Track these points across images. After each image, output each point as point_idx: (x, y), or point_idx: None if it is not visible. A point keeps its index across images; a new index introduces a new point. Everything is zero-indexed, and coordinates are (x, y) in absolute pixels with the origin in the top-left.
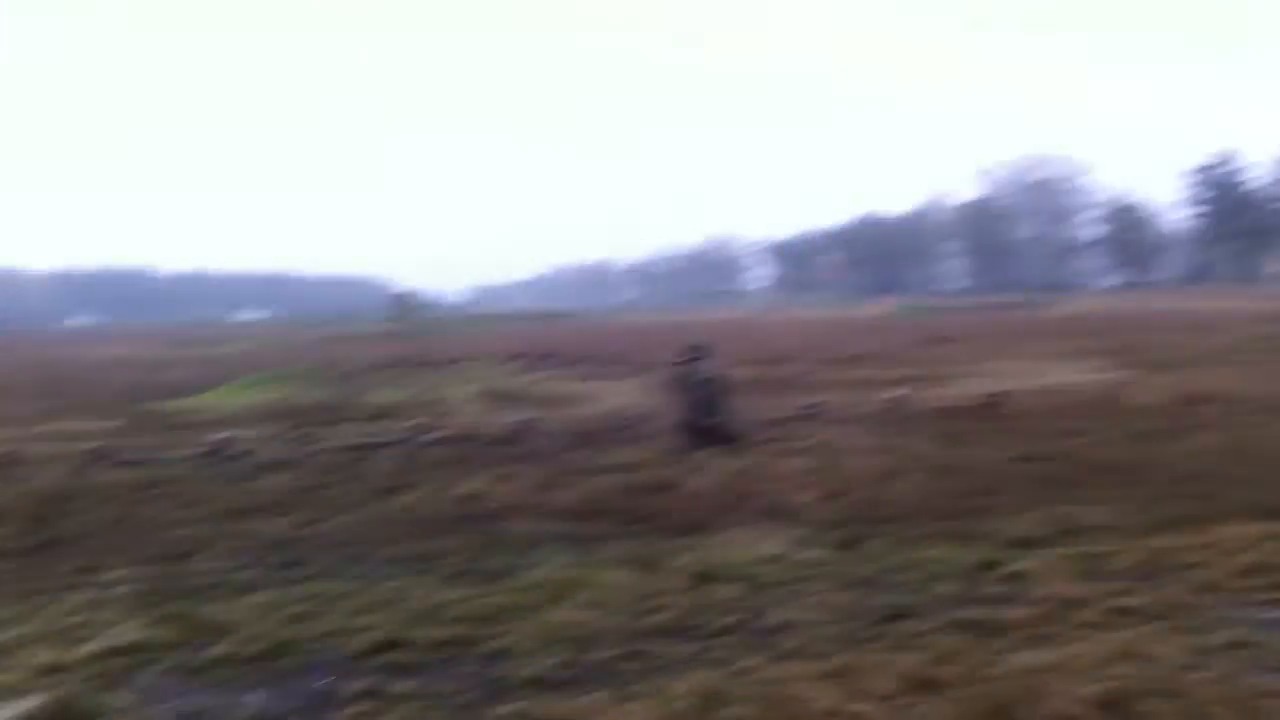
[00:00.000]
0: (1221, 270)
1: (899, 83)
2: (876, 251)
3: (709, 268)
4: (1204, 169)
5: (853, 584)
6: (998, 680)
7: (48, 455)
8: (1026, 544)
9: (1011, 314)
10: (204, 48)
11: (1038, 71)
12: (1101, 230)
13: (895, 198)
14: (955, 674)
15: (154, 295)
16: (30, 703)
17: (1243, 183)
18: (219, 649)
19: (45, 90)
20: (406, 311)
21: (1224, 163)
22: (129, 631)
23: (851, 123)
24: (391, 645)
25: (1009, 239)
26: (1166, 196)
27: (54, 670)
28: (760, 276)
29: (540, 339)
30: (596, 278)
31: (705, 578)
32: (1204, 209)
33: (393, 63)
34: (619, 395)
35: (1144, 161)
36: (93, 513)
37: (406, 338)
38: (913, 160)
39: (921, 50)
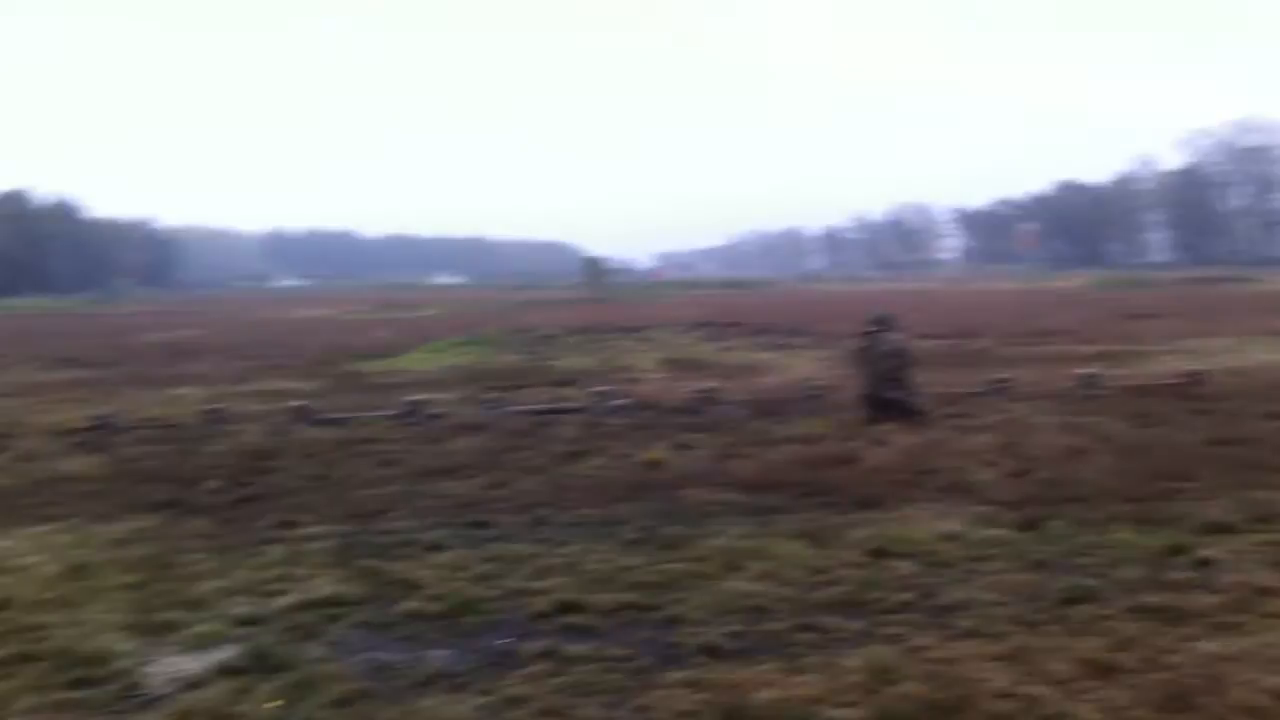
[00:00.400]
0: None
1: (1101, 46)
2: (1074, 222)
3: (899, 237)
4: None
5: (1032, 565)
6: (1179, 668)
7: (252, 413)
8: (1218, 529)
9: (1216, 289)
10: (411, 20)
11: (1244, 33)
12: None
13: (1095, 166)
14: (1135, 660)
15: (358, 257)
16: (228, 652)
17: None
18: (407, 605)
19: (259, 63)
20: (596, 277)
21: None
22: (323, 585)
23: (1050, 86)
24: (570, 608)
25: (1216, 209)
26: None
27: (252, 621)
28: (952, 246)
29: (726, 307)
30: (784, 246)
31: (880, 553)
32: None
33: (586, 31)
34: (802, 366)
35: None
36: (292, 470)
37: (595, 303)
38: (1115, 126)
39: (1125, 12)
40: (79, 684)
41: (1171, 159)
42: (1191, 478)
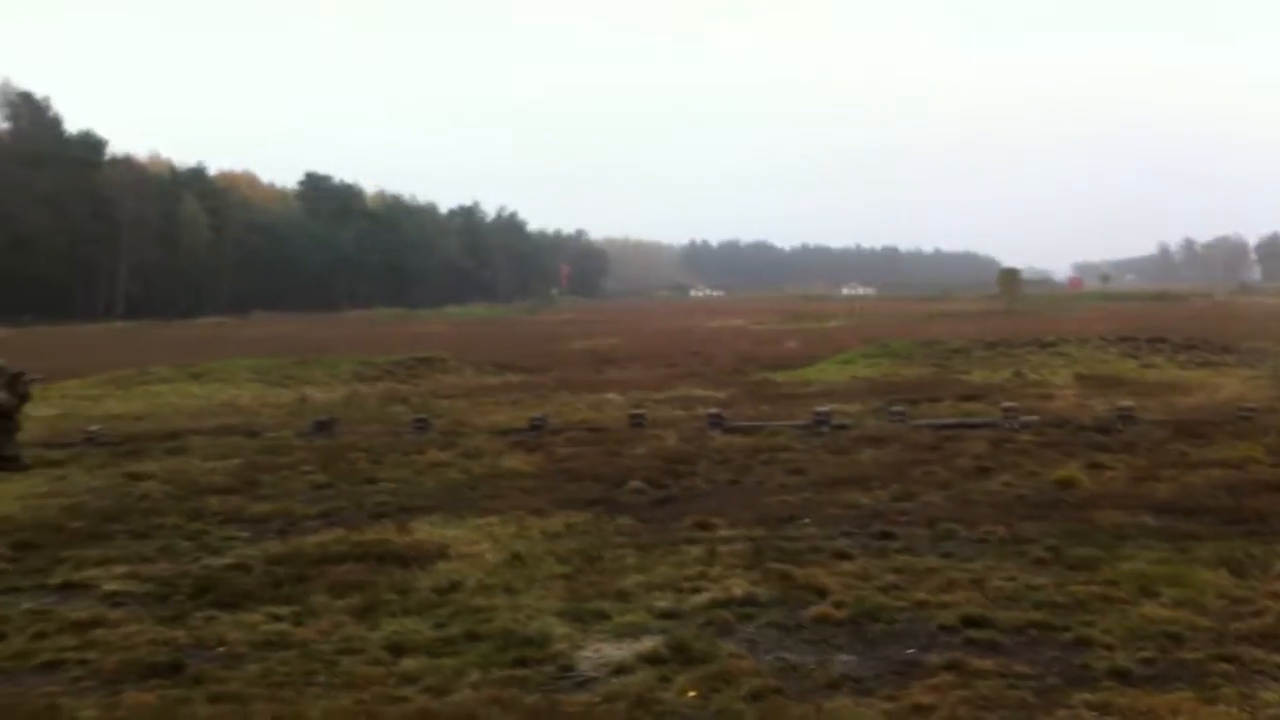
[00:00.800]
0: None
1: None
2: None
3: None
4: None
5: None
6: None
7: (671, 419)
8: None
9: None
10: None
11: None
12: None
13: None
14: None
15: (772, 267)
16: (652, 642)
17: None
18: (815, 609)
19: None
20: (1010, 288)
21: None
22: (737, 585)
23: None
24: (975, 622)
25: None
26: None
27: (672, 615)
28: None
29: (1147, 321)
30: (1218, 255)
31: None
32: None
33: (997, 49)
34: (1231, 385)
35: None
36: (707, 474)
37: (1009, 315)
38: None
39: None
40: (519, 663)
41: None
42: None
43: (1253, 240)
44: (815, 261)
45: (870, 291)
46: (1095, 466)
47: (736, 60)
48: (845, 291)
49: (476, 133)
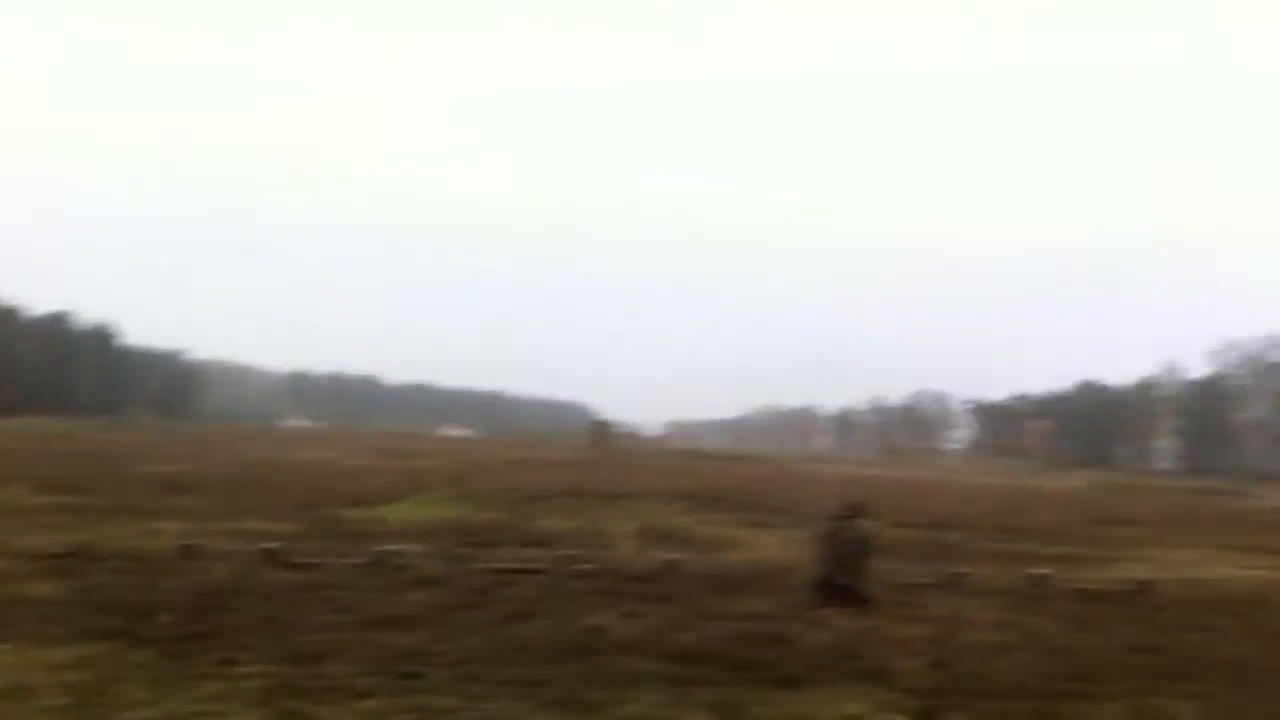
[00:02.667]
0: None
1: (1138, 250)
2: (1088, 422)
3: (911, 423)
4: None
5: None
6: None
7: (225, 551)
8: None
9: (1209, 500)
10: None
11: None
12: None
13: (1118, 368)
14: None
15: (378, 403)
16: None
17: None
18: None
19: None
20: (601, 440)
21: None
22: None
23: (1083, 287)
24: None
25: (1229, 421)
26: None
27: None
28: (962, 437)
29: (718, 481)
30: (796, 423)
31: None
32: None
33: (614, 201)
34: (774, 544)
35: None
36: (247, 610)
37: (594, 466)
38: (1144, 330)
39: (1160, 219)
40: None
41: (1198, 367)
42: (1100, 681)
43: (825, 410)
44: (423, 400)
45: (469, 433)
46: (631, 615)
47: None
48: (443, 431)
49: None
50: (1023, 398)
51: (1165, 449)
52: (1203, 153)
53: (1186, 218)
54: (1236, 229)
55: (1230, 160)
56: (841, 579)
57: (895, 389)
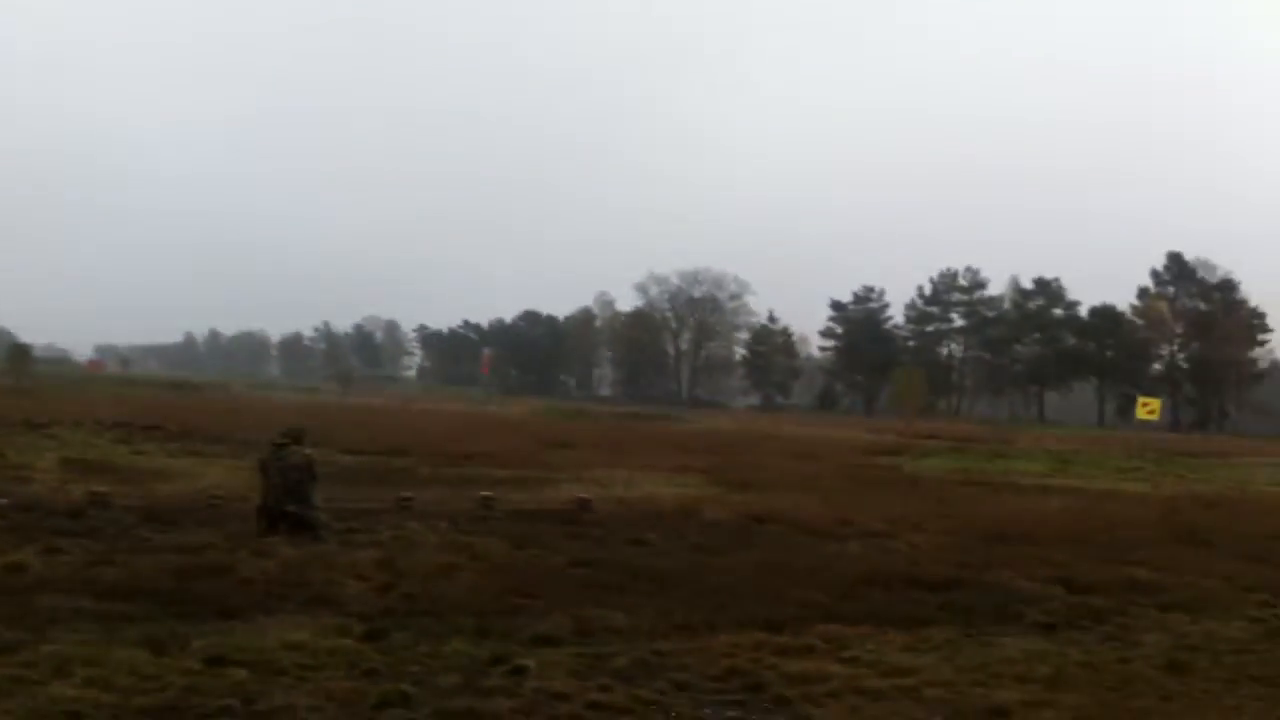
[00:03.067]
0: (847, 399)
1: (577, 180)
2: (532, 350)
3: (362, 350)
4: (844, 303)
5: (363, 673)
6: None
7: None
8: (543, 642)
9: (644, 425)
10: None
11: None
12: (748, 351)
13: (559, 298)
14: None
15: None
16: None
17: (880, 319)
18: None
19: None
20: (20, 366)
21: (864, 299)
22: None
23: (526, 221)
24: None
25: (661, 350)
26: (813, 324)
27: None
28: (415, 364)
29: (153, 409)
30: (244, 349)
31: (218, 661)
32: (839, 340)
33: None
34: (215, 474)
35: (797, 287)
36: None
37: (16, 394)
38: (584, 260)
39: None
40: None
41: (628, 299)
42: (541, 595)
43: (276, 337)
44: None
45: None
46: (52, 551)
47: None
48: None
49: None
50: (471, 326)
51: (605, 376)
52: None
53: (615, 155)
54: (655, 167)
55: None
56: (286, 506)
57: (344, 316)
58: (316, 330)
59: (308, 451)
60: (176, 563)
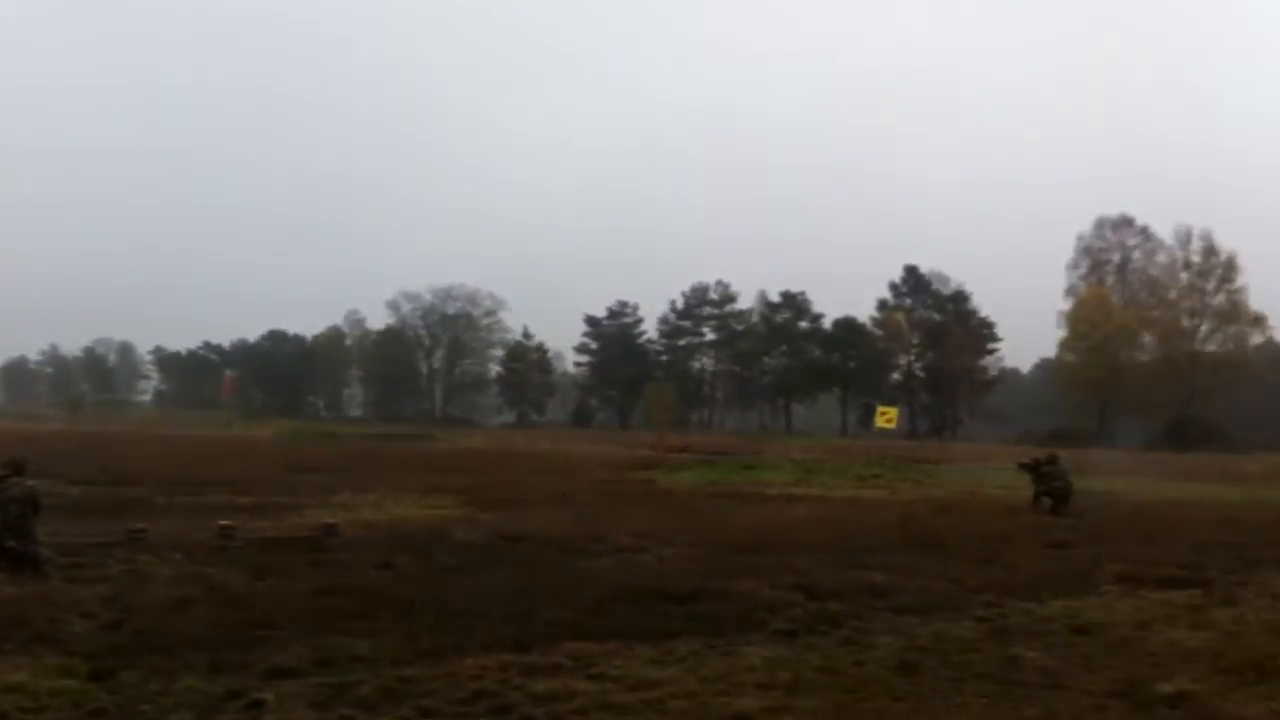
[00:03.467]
0: (603, 415)
1: (321, 200)
2: (279, 372)
3: (97, 374)
4: (598, 319)
5: (88, 714)
6: None
7: None
8: (282, 674)
9: (396, 445)
10: None
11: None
12: (503, 368)
13: (307, 317)
14: None
15: None
16: None
17: (635, 333)
18: None
19: None
20: None
21: (618, 314)
22: None
23: (275, 234)
24: None
25: (414, 369)
26: (568, 340)
27: None
28: (150, 389)
29: None
30: None
31: None
32: (594, 356)
33: None
34: None
35: (552, 303)
36: None
37: None
38: (332, 279)
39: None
40: None
41: (380, 317)
42: (281, 626)
43: None
44: None
45: None
46: None
47: None
48: None
49: None
50: (213, 347)
51: (356, 396)
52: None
53: (360, 176)
54: (404, 187)
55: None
56: (6, 542)
57: (74, 338)
58: (43, 354)
59: (30, 483)
60: None
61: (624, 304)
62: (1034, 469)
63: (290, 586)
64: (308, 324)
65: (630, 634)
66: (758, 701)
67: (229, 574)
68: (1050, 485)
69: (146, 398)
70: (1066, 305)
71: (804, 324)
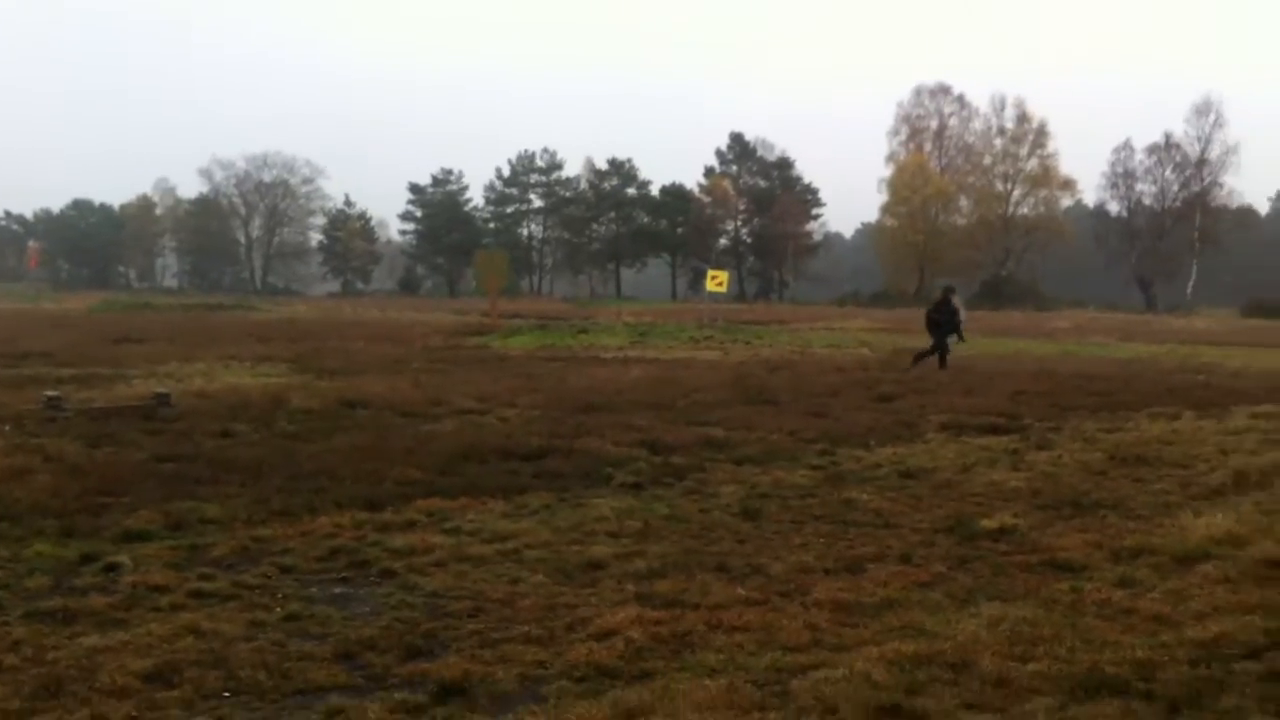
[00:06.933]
0: (430, 283)
1: (133, 59)
2: (88, 242)
3: None
4: (423, 186)
5: None
6: (57, 662)
7: None
8: (135, 538)
9: (218, 315)
10: None
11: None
12: (324, 237)
13: (117, 187)
14: (17, 659)
15: None
16: None
17: (460, 201)
18: None
19: None
20: None
21: (443, 181)
22: None
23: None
24: None
25: (230, 238)
26: (392, 208)
27: None
28: None
29: None
30: None
31: None
32: (420, 224)
33: None
34: None
35: (375, 172)
36: None
37: None
38: (139, 145)
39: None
40: None
41: (193, 185)
42: (126, 493)
43: None
44: None
45: None
46: None
47: None
48: None
49: None
50: (14, 218)
51: (170, 267)
52: None
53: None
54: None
55: None
56: None
57: None
58: None
59: None
60: None
61: (448, 171)
62: (947, 306)
63: (129, 455)
64: (115, 194)
65: (481, 491)
66: (610, 549)
67: (63, 444)
68: (956, 321)
69: None
70: (887, 172)
71: (631, 191)
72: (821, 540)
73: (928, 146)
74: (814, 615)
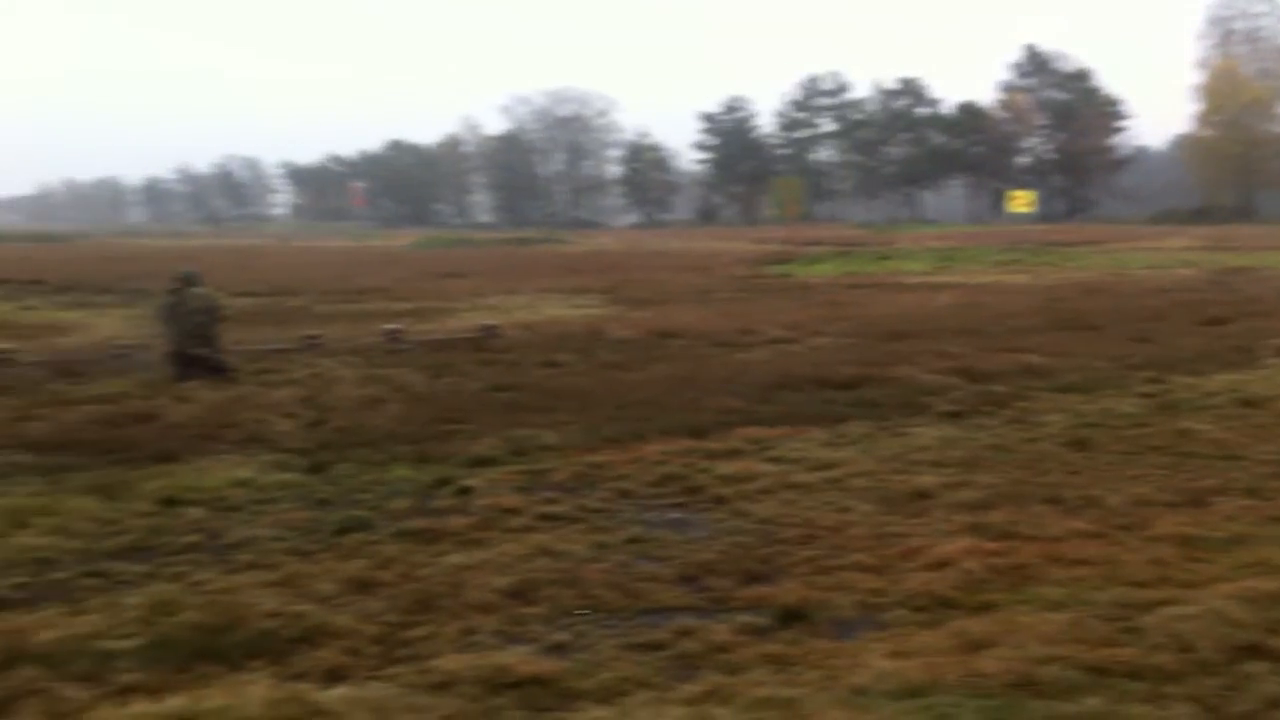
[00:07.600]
0: (727, 211)
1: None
2: (403, 181)
3: (227, 191)
4: (714, 115)
5: (315, 503)
6: (427, 579)
7: None
8: (480, 463)
9: (528, 250)
10: None
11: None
12: (621, 169)
13: (425, 126)
14: (392, 575)
15: None
16: None
17: (750, 128)
18: None
19: None
20: None
21: (733, 109)
22: None
23: (383, 45)
24: None
25: (534, 174)
26: (684, 138)
27: None
28: (283, 202)
29: (28, 263)
30: (101, 197)
31: (171, 502)
32: (713, 153)
33: None
34: (110, 325)
35: (664, 103)
36: None
37: None
38: (444, 87)
39: None
40: None
41: (495, 123)
42: (468, 420)
43: (135, 182)
44: None
45: None
46: None
47: None
48: None
49: None
50: (335, 159)
51: (481, 203)
52: None
53: None
54: None
55: None
56: (195, 350)
57: (202, 157)
58: (177, 172)
59: (208, 293)
60: (100, 413)
61: (737, 99)
62: None
63: (467, 384)
64: (423, 134)
65: (799, 419)
66: (936, 479)
67: (407, 374)
68: None
69: (278, 211)
70: (1197, 79)
71: (923, 110)
72: (1159, 472)
73: (1242, 50)
74: (1159, 550)
